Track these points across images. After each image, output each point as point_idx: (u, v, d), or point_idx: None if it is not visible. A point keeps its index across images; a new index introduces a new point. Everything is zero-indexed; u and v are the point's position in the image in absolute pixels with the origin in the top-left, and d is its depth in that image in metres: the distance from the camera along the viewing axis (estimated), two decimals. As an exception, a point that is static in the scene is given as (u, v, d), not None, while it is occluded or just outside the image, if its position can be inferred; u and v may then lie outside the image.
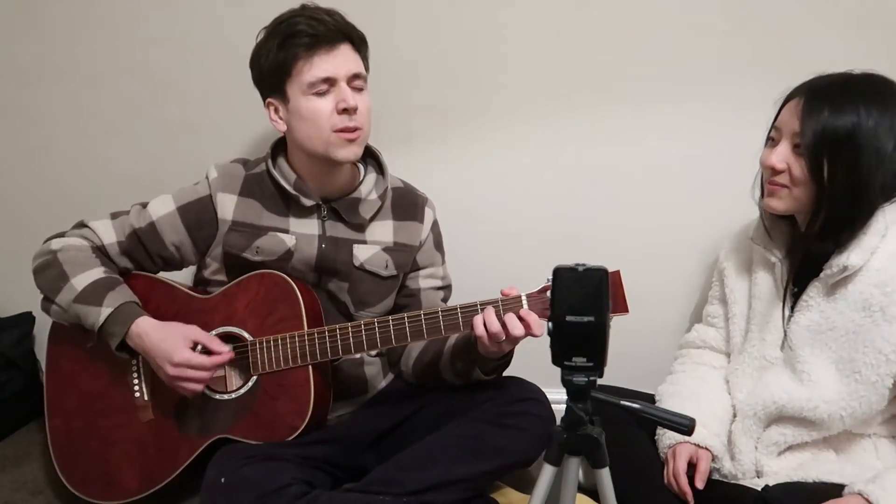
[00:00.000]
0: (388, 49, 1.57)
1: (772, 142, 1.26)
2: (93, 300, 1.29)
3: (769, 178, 1.25)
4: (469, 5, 1.60)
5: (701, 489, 1.23)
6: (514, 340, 1.21)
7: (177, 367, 1.27)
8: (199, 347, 1.31)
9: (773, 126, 1.26)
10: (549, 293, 1.17)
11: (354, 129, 1.29)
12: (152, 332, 1.30)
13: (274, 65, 1.29)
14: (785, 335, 1.28)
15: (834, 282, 1.21)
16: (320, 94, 1.28)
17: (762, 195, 1.31)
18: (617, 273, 1.18)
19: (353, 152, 1.31)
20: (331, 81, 1.28)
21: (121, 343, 1.30)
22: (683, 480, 1.23)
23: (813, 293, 1.24)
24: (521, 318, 1.19)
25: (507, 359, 1.34)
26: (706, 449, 1.26)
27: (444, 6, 1.60)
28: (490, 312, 1.21)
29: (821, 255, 1.22)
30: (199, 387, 1.30)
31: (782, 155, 1.21)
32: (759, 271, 1.35)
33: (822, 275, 1.22)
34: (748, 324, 1.36)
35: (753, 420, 1.28)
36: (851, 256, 1.17)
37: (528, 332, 1.19)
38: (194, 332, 1.32)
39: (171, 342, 1.28)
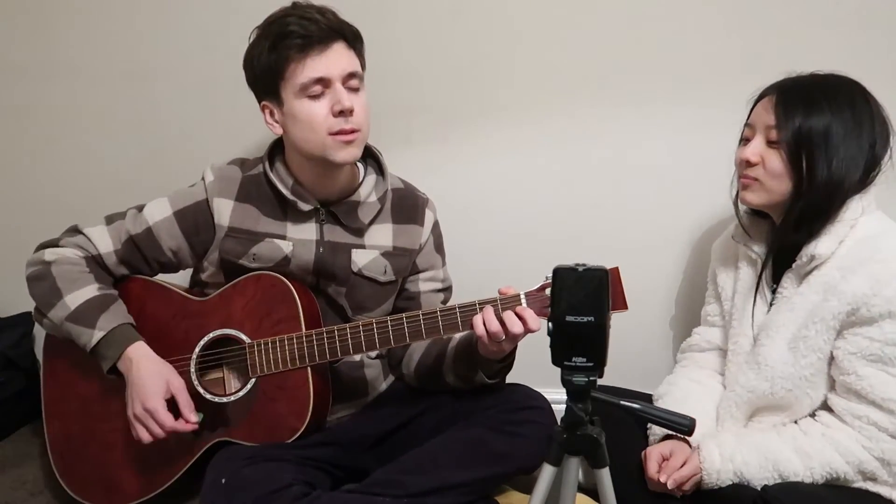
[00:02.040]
0: (389, 49, 1.58)
1: (745, 141, 1.29)
2: (85, 321, 1.28)
3: (742, 173, 1.28)
4: (469, 6, 1.60)
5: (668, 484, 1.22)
6: (514, 339, 1.21)
7: (144, 411, 1.27)
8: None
9: (746, 125, 1.30)
10: (547, 291, 1.18)
11: (351, 131, 1.27)
12: (143, 365, 1.29)
13: (266, 67, 1.26)
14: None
15: (805, 271, 1.24)
16: (314, 96, 1.25)
17: (738, 195, 1.34)
18: (616, 270, 1.18)
19: (351, 154, 1.29)
20: (325, 82, 1.25)
21: (112, 366, 1.30)
22: (654, 482, 1.24)
23: (787, 284, 1.27)
24: (518, 316, 1.19)
25: (509, 360, 1.34)
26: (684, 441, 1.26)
27: (444, 6, 1.61)
28: (489, 311, 1.20)
29: (796, 248, 1.25)
30: (147, 437, 1.28)
31: (756, 149, 1.25)
32: (743, 268, 1.37)
33: (794, 265, 1.25)
34: (732, 320, 1.37)
35: (731, 422, 1.30)
36: (819, 245, 1.21)
37: (526, 328, 1.19)
38: (177, 386, 1.30)
39: (151, 386, 1.27)
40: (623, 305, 1.18)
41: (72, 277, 1.32)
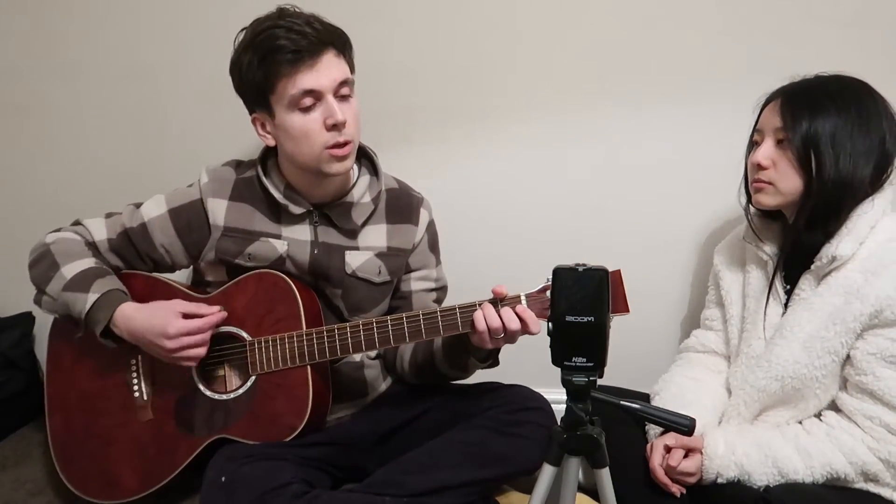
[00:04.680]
0: (389, 49, 1.58)
1: (755, 145, 1.30)
2: (81, 287, 1.29)
3: (755, 177, 1.28)
4: (469, 5, 1.60)
5: (675, 466, 1.23)
6: (512, 336, 1.20)
7: (173, 338, 1.26)
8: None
9: (754, 130, 1.31)
10: (548, 293, 1.18)
11: (345, 143, 1.26)
12: (138, 313, 1.29)
13: (256, 82, 1.24)
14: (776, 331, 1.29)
15: (824, 272, 1.23)
16: (306, 109, 1.23)
17: (748, 199, 1.35)
18: (617, 272, 1.18)
19: (344, 167, 1.29)
20: (316, 94, 1.23)
21: (106, 330, 1.29)
22: (660, 472, 1.24)
23: (805, 286, 1.26)
24: (518, 316, 1.18)
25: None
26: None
27: (444, 6, 1.60)
28: (489, 308, 1.20)
29: (812, 249, 1.25)
30: (201, 352, 1.28)
31: (767, 152, 1.26)
32: (752, 270, 1.37)
33: (812, 266, 1.25)
34: (743, 324, 1.37)
35: (738, 420, 1.30)
36: (840, 246, 1.20)
37: (525, 329, 1.19)
38: (179, 303, 1.31)
39: (160, 317, 1.27)
40: (625, 308, 1.17)
41: (70, 251, 1.34)
